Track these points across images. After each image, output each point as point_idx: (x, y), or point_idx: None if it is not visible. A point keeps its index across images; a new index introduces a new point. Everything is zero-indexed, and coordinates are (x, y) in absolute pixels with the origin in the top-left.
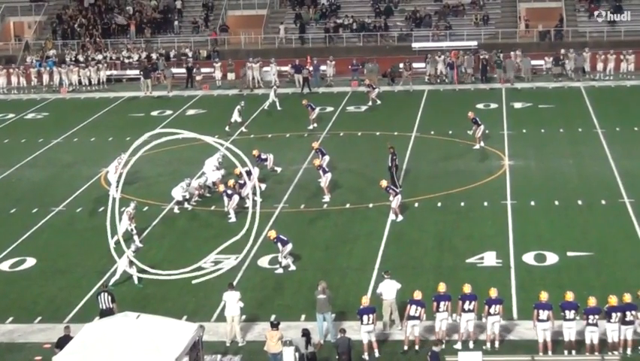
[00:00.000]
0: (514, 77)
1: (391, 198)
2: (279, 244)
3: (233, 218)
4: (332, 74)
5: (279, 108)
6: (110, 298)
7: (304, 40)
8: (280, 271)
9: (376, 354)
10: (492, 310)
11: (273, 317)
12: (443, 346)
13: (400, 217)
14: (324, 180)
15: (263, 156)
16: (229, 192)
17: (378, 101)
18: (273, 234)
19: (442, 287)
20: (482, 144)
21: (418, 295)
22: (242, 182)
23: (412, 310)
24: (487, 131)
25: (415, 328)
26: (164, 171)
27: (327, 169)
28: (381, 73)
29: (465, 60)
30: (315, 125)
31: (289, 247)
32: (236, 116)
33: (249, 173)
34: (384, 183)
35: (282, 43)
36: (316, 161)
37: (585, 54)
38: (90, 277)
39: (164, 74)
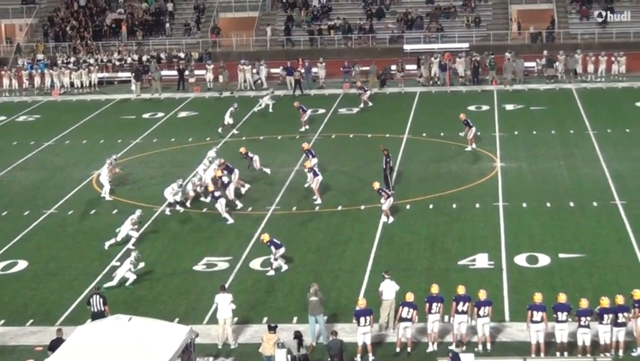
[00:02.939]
0: (511, 78)
1: (383, 200)
2: (272, 247)
3: (230, 220)
4: (324, 76)
5: (270, 110)
6: (102, 300)
7: (293, 43)
8: (272, 273)
9: (370, 357)
10: (481, 312)
11: (265, 320)
12: (464, 348)
13: (391, 219)
14: (315, 182)
15: (250, 155)
16: (216, 194)
17: (370, 103)
18: (266, 237)
19: (434, 289)
20: (474, 145)
21: (409, 297)
22: (226, 181)
23: (404, 312)
24: (479, 133)
25: (406, 330)
26: (156, 174)
27: (317, 172)
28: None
29: (463, 62)
30: (307, 127)
31: (282, 250)
32: (228, 119)
33: (230, 171)
34: (376, 185)
35: (272, 45)
36: (307, 163)
37: (577, 56)
38: (82, 279)
39: (153, 77)
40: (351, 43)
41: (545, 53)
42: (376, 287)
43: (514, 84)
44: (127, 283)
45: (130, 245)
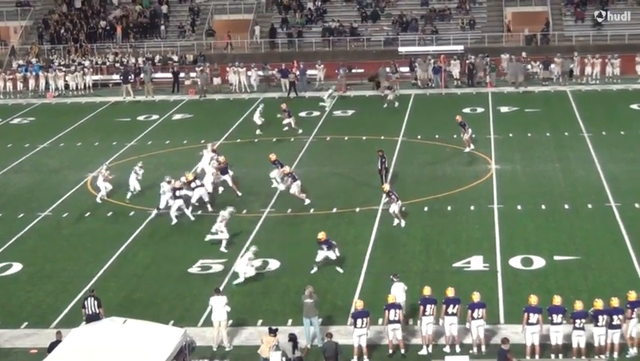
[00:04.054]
0: (523, 80)
1: (394, 204)
2: (325, 247)
3: (174, 221)
4: (322, 79)
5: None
6: (96, 303)
7: (277, 45)
8: (315, 270)
9: (365, 359)
10: (475, 315)
11: (260, 322)
12: (509, 345)
13: (403, 222)
14: (295, 187)
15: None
16: (177, 193)
17: (397, 104)
18: (323, 236)
19: (427, 291)
20: (472, 147)
21: (392, 298)
22: (198, 184)
23: (392, 314)
24: (474, 136)
25: (396, 331)
26: (151, 176)
27: (296, 176)
28: (367, 77)
29: (458, 64)
30: (300, 130)
31: (332, 254)
32: (258, 120)
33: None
34: (386, 187)
35: (266, 48)
36: (285, 169)
37: (575, 58)
38: (77, 282)
39: (144, 80)
40: (330, 45)
41: (524, 55)
42: (372, 289)
43: (499, 86)
44: (246, 275)
45: (223, 248)
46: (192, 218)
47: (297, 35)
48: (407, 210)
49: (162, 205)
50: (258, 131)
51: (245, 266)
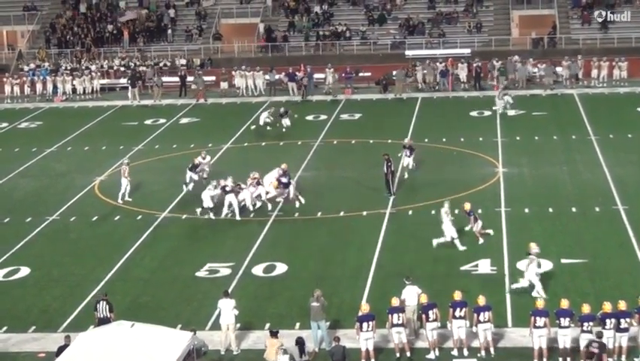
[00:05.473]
0: (553, 81)
1: (472, 222)
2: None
3: (237, 216)
4: (331, 82)
5: (510, 113)
6: (108, 307)
7: (274, 49)
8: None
9: None
10: (481, 318)
11: (267, 325)
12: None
13: (481, 240)
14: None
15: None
16: (227, 189)
17: (507, 109)
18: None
19: (423, 298)
20: (414, 169)
21: (395, 301)
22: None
23: (395, 318)
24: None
25: (400, 335)
26: (158, 180)
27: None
28: (375, 81)
29: (465, 67)
30: (252, 127)
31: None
32: (266, 119)
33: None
34: (467, 206)
35: (273, 52)
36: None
37: (579, 61)
38: (84, 286)
39: (156, 83)
40: (317, 48)
41: (516, 57)
42: (380, 293)
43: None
44: (543, 295)
45: (457, 244)
46: (238, 218)
47: (282, 40)
48: (414, 214)
49: (207, 204)
50: (268, 127)
51: (533, 275)
